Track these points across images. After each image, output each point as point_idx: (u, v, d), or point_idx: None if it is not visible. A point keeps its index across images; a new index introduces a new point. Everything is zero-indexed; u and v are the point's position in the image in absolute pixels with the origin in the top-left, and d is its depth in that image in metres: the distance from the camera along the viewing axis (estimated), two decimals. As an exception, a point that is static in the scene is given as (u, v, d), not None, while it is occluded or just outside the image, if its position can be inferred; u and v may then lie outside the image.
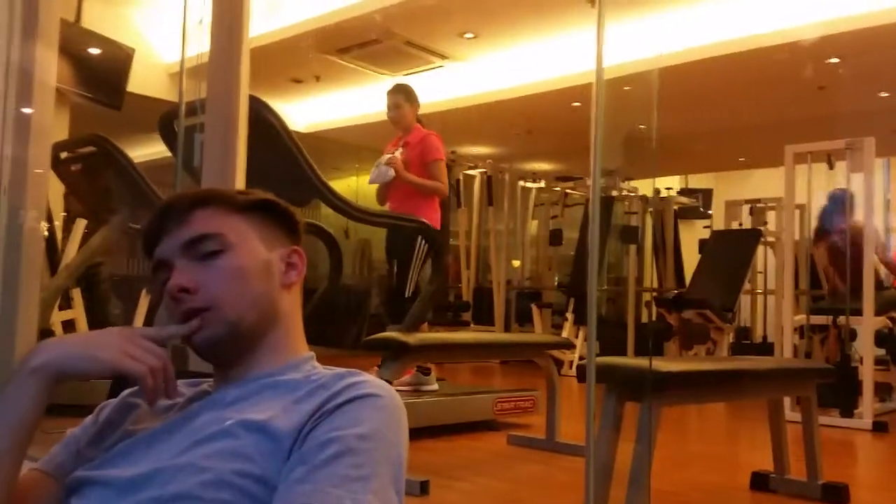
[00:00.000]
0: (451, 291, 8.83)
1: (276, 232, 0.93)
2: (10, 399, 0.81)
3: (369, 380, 0.84)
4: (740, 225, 7.15)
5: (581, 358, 6.35)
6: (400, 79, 7.19)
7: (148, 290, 5.84)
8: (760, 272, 7.12)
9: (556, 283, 8.52)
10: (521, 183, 8.45)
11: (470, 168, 8.50)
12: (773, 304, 6.52)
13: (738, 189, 9.11)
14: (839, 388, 4.21)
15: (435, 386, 4.19)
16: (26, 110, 2.66)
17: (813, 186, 4.92)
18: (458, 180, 8.80)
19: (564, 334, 6.90)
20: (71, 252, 5.14)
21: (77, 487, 0.84)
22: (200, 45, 2.45)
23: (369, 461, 0.76)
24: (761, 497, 2.79)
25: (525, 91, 6.86)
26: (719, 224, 7.94)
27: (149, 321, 5.66)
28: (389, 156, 4.26)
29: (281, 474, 0.76)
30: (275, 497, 0.75)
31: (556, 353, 5.97)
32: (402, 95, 4.39)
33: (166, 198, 0.93)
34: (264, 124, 3.30)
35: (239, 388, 0.87)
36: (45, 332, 3.67)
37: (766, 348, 6.86)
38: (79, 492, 0.83)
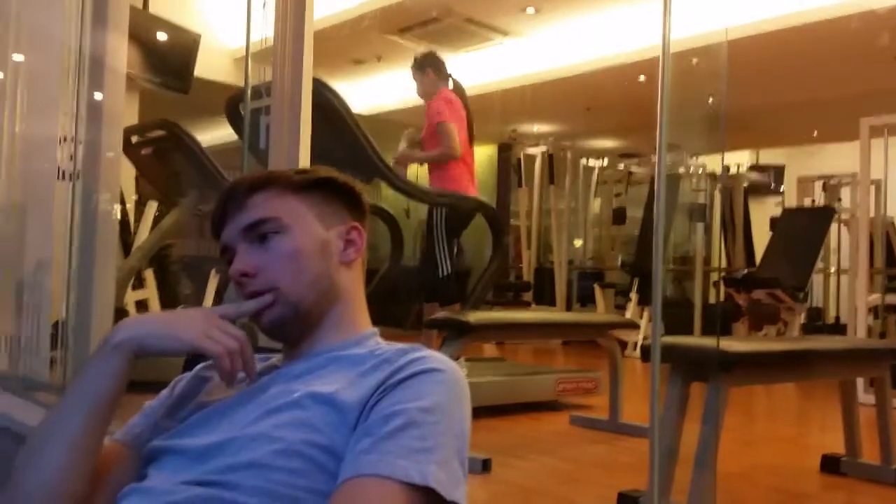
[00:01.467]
0: (511, 271, 8.81)
1: (334, 208, 0.95)
2: (91, 373, 0.85)
3: (432, 355, 0.85)
4: (813, 202, 6.93)
5: (645, 338, 6.26)
6: (461, 56, 7.17)
7: (217, 271, 5.99)
8: (834, 251, 6.90)
9: (619, 263, 8.41)
10: (584, 161, 8.34)
11: (531, 146, 8.44)
12: (846, 284, 6.31)
13: (810, 165, 8.81)
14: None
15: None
16: (98, 96, 2.74)
17: (890, 161, 4.73)
18: (518, 159, 8.75)
19: (628, 315, 6.82)
20: (143, 234, 5.31)
21: (154, 456, 0.88)
22: (264, 29, 2.48)
23: (433, 433, 0.77)
24: (832, 480, 2.72)
25: (588, 67, 6.75)
26: (791, 201, 7.70)
27: (218, 300, 5.81)
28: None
29: (347, 445, 0.78)
30: (342, 467, 0.77)
31: (619, 334, 5.91)
32: (413, 70, 4.21)
33: (229, 183, 0.96)
34: (327, 106, 3.34)
35: (306, 361, 0.90)
36: (120, 312, 3.80)
37: (839, 329, 6.65)
38: (156, 460, 0.87)
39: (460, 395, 0.83)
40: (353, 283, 0.95)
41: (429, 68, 4.14)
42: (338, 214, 0.95)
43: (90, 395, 0.85)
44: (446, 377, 0.82)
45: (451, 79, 4.23)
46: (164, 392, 0.98)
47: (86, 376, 0.85)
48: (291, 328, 0.91)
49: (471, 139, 4.23)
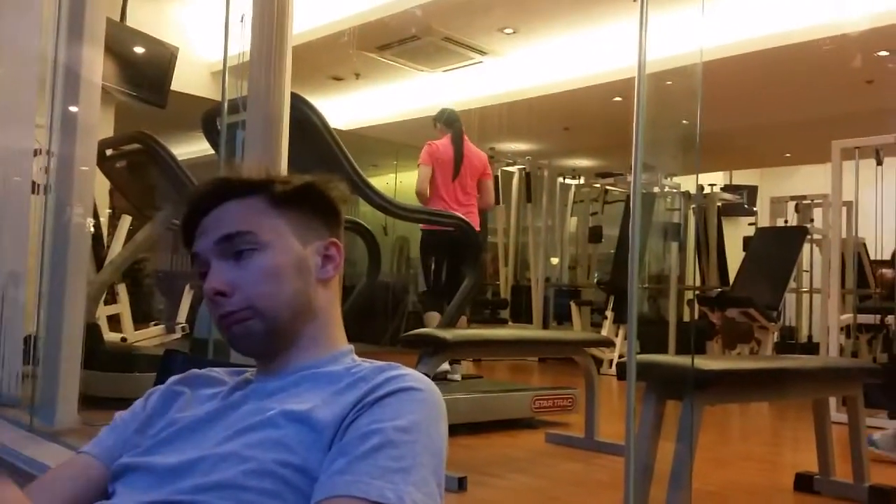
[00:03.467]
0: (488, 289, 8.81)
1: (312, 224, 0.92)
2: None
3: (410, 373, 0.84)
4: (786, 222, 7.01)
5: (621, 356, 6.29)
6: (439, 75, 7.21)
7: (191, 286, 5.94)
8: (806, 271, 6.98)
9: (595, 281, 8.46)
10: (561, 179, 8.39)
11: (508, 164, 8.47)
12: (818, 304, 6.38)
13: (783, 185, 8.93)
14: (887, 388, 4.10)
15: (458, 377, 4.25)
16: (73, 108, 2.72)
17: (861, 183, 4.80)
18: (496, 177, 8.77)
19: (604, 332, 6.84)
20: (116, 248, 5.26)
21: (122, 473, 0.86)
22: (242, 43, 2.47)
23: (410, 453, 0.76)
24: (805, 499, 2.74)
25: (565, 86, 6.81)
26: (764, 221, 7.79)
27: (192, 316, 5.75)
28: None
29: (321, 465, 0.77)
30: (316, 487, 0.75)
31: (595, 351, 5.93)
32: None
33: (201, 184, 0.92)
34: (305, 121, 3.33)
35: (280, 379, 0.88)
36: (91, 326, 3.75)
37: (811, 348, 6.72)
38: (124, 477, 0.85)
39: (438, 414, 0.82)
40: (329, 300, 0.92)
41: (438, 122, 4.88)
42: (315, 230, 0.92)
43: None
44: (424, 396, 0.81)
45: (454, 125, 4.82)
46: (138, 403, 0.96)
47: None
48: (264, 345, 0.88)
49: (457, 175, 4.71)
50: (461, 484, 2.59)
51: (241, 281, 0.86)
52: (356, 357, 0.92)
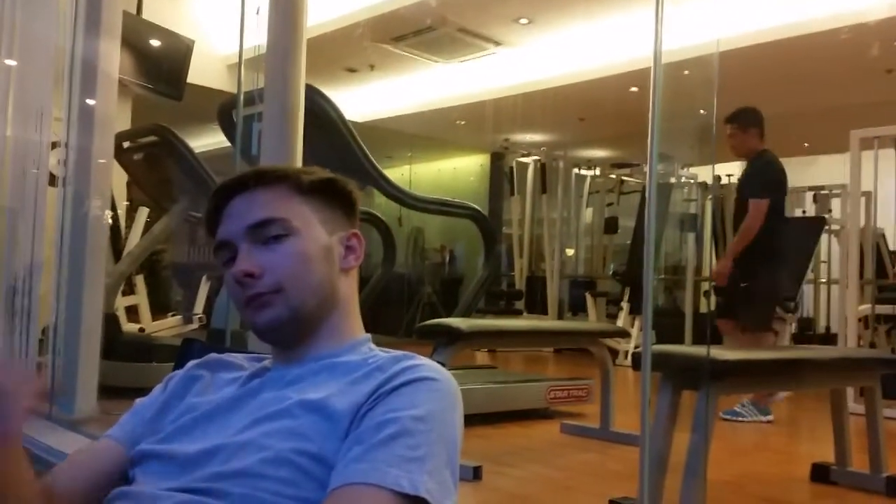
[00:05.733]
0: (503, 280, 8.82)
1: (335, 215, 0.93)
2: None
3: (426, 363, 0.85)
4: (804, 213, 6.96)
5: (636, 347, 6.26)
6: (454, 66, 7.18)
7: (208, 277, 5.98)
8: (824, 261, 6.92)
9: (611, 272, 8.43)
10: (576, 170, 8.36)
11: (523, 156, 8.46)
12: (836, 294, 6.34)
13: (801, 176, 8.82)
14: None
15: None
16: (90, 101, 2.74)
17: (880, 172, 4.75)
18: (511, 168, 8.77)
19: (619, 324, 6.83)
20: (134, 239, 5.30)
21: (142, 460, 0.87)
22: (258, 36, 2.48)
23: (425, 442, 0.76)
24: (822, 489, 2.73)
25: (581, 76, 6.78)
26: (781, 211, 7.72)
27: (209, 306, 5.80)
28: None
29: (338, 453, 0.78)
30: (332, 475, 0.76)
31: (610, 342, 5.91)
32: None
33: (225, 179, 0.93)
34: (320, 113, 3.34)
35: (298, 367, 0.89)
36: (110, 317, 3.78)
37: (829, 339, 6.67)
38: (144, 464, 0.87)
39: (454, 403, 0.82)
40: (350, 290, 0.94)
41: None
42: (338, 220, 0.93)
43: None
44: (440, 385, 0.82)
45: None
46: (157, 389, 0.97)
47: None
48: (288, 331, 0.89)
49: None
50: (476, 473, 2.60)
51: (271, 264, 0.87)
52: (373, 346, 0.93)
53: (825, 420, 2.74)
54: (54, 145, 3.07)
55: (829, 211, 6.60)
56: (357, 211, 0.96)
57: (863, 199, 5.11)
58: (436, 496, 0.74)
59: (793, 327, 5.97)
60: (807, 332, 7.11)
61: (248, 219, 0.89)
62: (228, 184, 0.92)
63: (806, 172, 9.06)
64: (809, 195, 6.98)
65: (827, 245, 6.67)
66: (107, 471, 0.90)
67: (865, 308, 4.72)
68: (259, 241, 0.88)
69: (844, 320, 4.59)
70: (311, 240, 0.89)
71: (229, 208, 0.91)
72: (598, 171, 8.44)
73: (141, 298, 5.49)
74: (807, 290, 6.96)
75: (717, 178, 8.14)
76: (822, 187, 6.82)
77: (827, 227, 6.21)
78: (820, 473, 2.78)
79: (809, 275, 6.35)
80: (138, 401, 0.97)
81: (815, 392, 3.80)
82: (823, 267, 6.99)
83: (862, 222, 5.10)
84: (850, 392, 3.46)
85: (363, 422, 0.79)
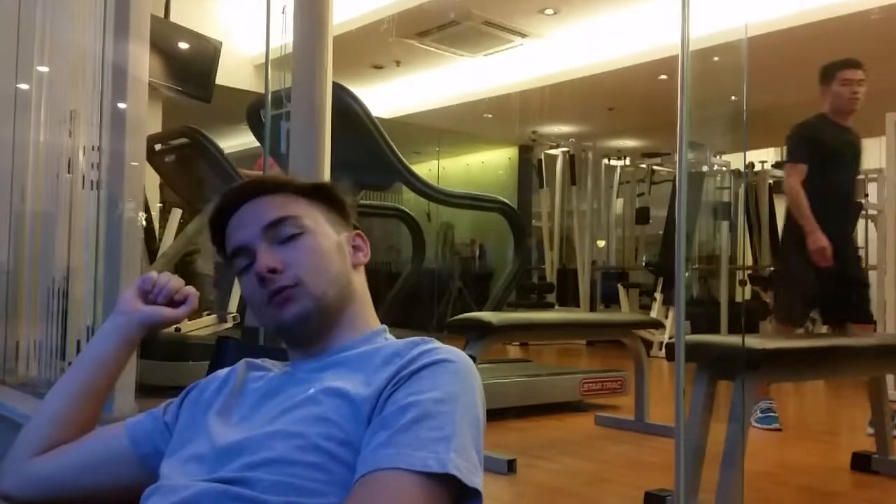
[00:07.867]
0: (534, 273, 8.79)
1: (337, 216, 0.99)
2: (94, 338, 1.05)
3: (442, 346, 0.86)
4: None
5: (670, 338, 6.21)
6: (479, 60, 7.16)
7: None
8: (861, 247, 6.79)
9: (643, 263, 8.36)
10: (605, 161, 8.30)
11: (552, 147, 8.41)
12: (874, 280, 6.23)
13: (835, 160, 8.68)
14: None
15: None
16: (122, 105, 2.77)
17: (917, 155, 4.65)
18: (539, 160, 8.73)
19: (653, 315, 6.77)
20: (168, 240, 5.36)
21: (169, 458, 0.90)
22: (284, 36, 2.49)
23: (449, 422, 0.78)
24: (863, 478, 2.68)
25: (609, 66, 6.72)
26: (816, 198, 7.58)
27: (242, 305, 5.85)
28: None
29: (362, 438, 0.79)
30: (359, 461, 0.77)
31: (644, 333, 5.87)
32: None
33: (228, 189, 0.97)
34: (348, 111, 3.35)
35: (318, 361, 0.92)
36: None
37: (867, 326, 6.55)
38: (172, 462, 0.89)
39: (473, 384, 0.84)
40: (362, 284, 0.99)
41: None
42: (340, 221, 0.99)
43: (88, 354, 1.04)
44: (458, 367, 0.83)
45: None
46: (176, 400, 1.01)
47: (91, 340, 1.04)
48: (313, 323, 0.92)
49: None
50: (511, 466, 2.60)
51: (291, 259, 0.91)
52: (389, 336, 0.96)
53: (865, 408, 2.69)
54: (86, 150, 3.11)
55: (866, 196, 6.47)
56: (350, 215, 1.01)
57: (900, 183, 5.00)
58: (465, 473, 0.75)
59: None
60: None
61: (262, 220, 0.93)
62: (230, 198, 0.96)
63: (841, 157, 8.89)
64: (846, 180, 6.85)
65: (864, 230, 6.54)
66: (109, 448, 0.98)
67: (905, 293, 4.62)
68: (275, 240, 0.92)
69: (883, 306, 4.52)
70: (323, 236, 0.94)
71: (237, 218, 0.95)
72: (628, 161, 8.37)
73: (176, 299, 5.55)
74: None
75: (751, 165, 8.03)
76: (859, 171, 6.69)
77: (864, 212, 6.09)
78: (861, 462, 2.73)
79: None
80: (164, 404, 1.01)
81: (854, 380, 3.74)
82: (861, 253, 6.86)
83: (900, 206, 4.99)
84: (891, 379, 3.40)
85: (386, 406, 0.80)
